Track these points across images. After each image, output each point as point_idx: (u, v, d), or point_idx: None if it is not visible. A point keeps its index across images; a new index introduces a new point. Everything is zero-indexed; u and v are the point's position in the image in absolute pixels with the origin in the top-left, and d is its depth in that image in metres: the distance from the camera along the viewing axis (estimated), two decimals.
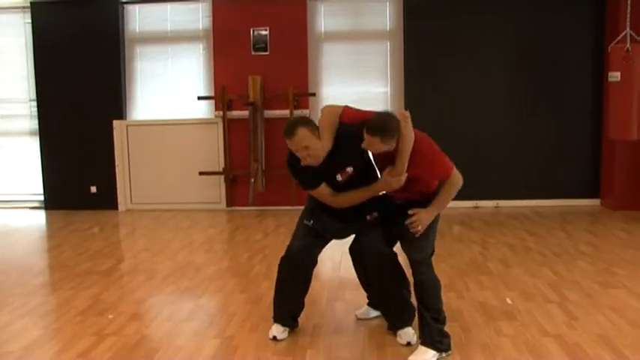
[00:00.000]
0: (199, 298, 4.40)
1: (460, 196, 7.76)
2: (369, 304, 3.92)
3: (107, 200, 7.91)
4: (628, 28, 6.26)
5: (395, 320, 3.59)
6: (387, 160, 3.31)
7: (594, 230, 6.25)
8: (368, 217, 3.50)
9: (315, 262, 3.59)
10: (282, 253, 3.60)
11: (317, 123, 3.48)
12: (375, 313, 3.87)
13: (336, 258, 5.07)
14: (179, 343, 3.57)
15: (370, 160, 3.52)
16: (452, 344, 3.37)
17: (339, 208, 3.46)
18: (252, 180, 7.46)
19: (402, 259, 3.54)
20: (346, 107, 3.45)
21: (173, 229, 6.80)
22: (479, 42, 7.42)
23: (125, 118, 7.92)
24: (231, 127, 7.65)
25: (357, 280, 3.89)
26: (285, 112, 7.46)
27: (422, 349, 3.30)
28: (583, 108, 7.44)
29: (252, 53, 7.61)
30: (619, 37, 6.40)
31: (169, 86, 7.97)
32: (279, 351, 3.42)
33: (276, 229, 6.62)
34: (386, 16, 7.64)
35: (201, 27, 7.84)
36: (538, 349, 3.34)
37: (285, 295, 3.65)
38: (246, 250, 5.75)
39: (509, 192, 7.56)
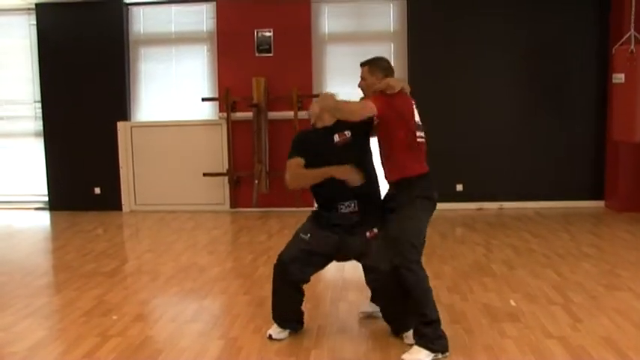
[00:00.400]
0: (203, 300, 4.41)
1: (464, 197, 7.83)
2: (372, 300, 3.83)
3: (111, 201, 7.92)
4: (632, 30, 6.25)
5: (398, 327, 3.57)
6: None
7: (598, 232, 6.24)
8: (368, 234, 3.49)
9: (306, 280, 3.59)
10: None
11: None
12: (377, 308, 3.77)
13: None
14: (183, 344, 3.58)
15: (369, 132, 3.58)
16: (455, 346, 3.37)
17: (337, 219, 3.48)
18: (256, 181, 7.47)
19: None
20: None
21: (177, 230, 6.81)
22: (482, 44, 7.41)
23: (129, 120, 7.94)
24: (235, 129, 7.66)
25: (362, 280, 3.88)
26: (289, 114, 7.46)
27: (415, 348, 3.29)
28: (587, 109, 7.43)
29: (256, 55, 7.62)
30: (623, 39, 6.38)
31: (173, 88, 7.98)
32: (283, 352, 3.43)
33: (280, 231, 6.62)
34: (390, 18, 7.65)
35: (205, 29, 7.85)
36: (542, 351, 3.34)
37: (279, 300, 3.65)
38: (250, 252, 5.76)
39: (513, 194, 7.55)
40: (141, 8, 7.92)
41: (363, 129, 3.54)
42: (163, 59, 7.97)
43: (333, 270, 4.97)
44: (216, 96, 7.72)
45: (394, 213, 3.42)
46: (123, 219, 7.58)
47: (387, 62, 3.58)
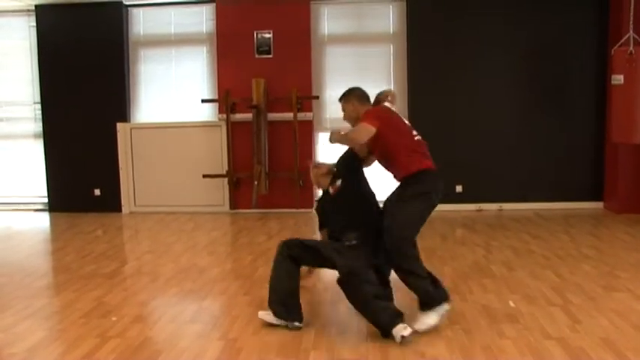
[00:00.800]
0: (203, 301, 4.41)
1: (463, 199, 7.83)
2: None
3: (111, 203, 7.93)
4: (631, 31, 6.25)
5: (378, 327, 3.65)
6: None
7: (597, 233, 6.25)
8: (347, 244, 3.84)
9: (303, 261, 4.06)
10: None
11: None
12: None
13: None
14: (183, 345, 3.58)
15: (358, 169, 4.00)
16: (454, 346, 3.39)
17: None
18: (256, 183, 7.47)
19: None
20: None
21: (177, 231, 6.82)
22: (482, 45, 7.43)
23: (129, 121, 7.95)
24: (234, 130, 7.67)
25: None
26: (289, 115, 7.47)
27: (422, 314, 3.63)
28: (586, 110, 7.44)
29: (256, 56, 7.63)
30: (622, 40, 6.39)
31: (173, 89, 8.00)
32: (283, 353, 3.43)
33: (280, 232, 6.63)
34: (389, 19, 7.66)
35: (204, 30, 7.86)
36: (541, 352, 3.34)
37: (277, 275, 3.88)
38: (249, 253, 5.76)
39: (513, 195, 7.56)
40: (140, 10, 7.94)
41: (351, 171, 3.99)
42: (163, 61, 7.98)
43: (332, 271, 4.97)
44: (216, 97, 7.73)
45: (391, 202, 3.81)
46: (122, 220, 7.59)
47: (360, 90, 4.02)
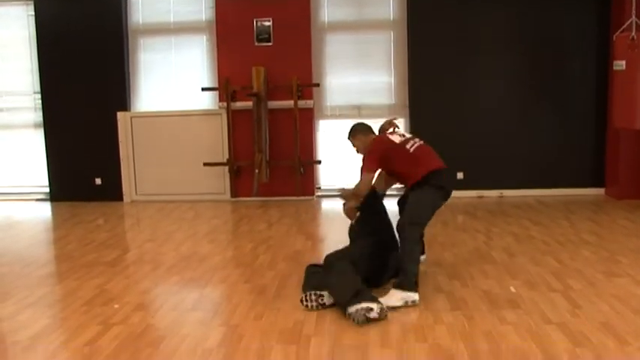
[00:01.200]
0: (204, 288, 4.43)
1: (464, 185, 7.84)
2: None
3: (112, 192, 7.94)
4: (633, 16, 6.22)
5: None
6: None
7: (598, 219, 6.25)
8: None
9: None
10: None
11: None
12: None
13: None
14: (184, 331, 3.60)
15: (376, 205, 4.44)
16: (455, 332, 3.42)
17: None
18: (257, 171, 7.47)
19: None
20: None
21: (178, 219, 6.83)
22: (483, 31, 7.40)
23: (129, 110, 7.94)
24: (235, 118, 7.66)
25: None
26: (289, 103, 7.46)
27: (394, 291, 3.91)
28: (588, 97, 7.42)
29: (256, 44, 7.60)
30: (624, 26, 6.36)
31: (173, 78, 7.98)
32: (284, 339, 3.45)
33: (280, 220, 6.64)
34: (389, 6, 7.62)
35: (204, 18, 7.84)
36: (541, 337, 3.36)
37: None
38: (250, 241, 5.77)
39: (514, 181, 7.56)
40: None
41: (368, 205, 4.38)
42: (163, 49, 7.96)
43: None
44: (216, 86, 7.72)
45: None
46: (124, 209, 7.60)
47: (361, 125, 4.53)
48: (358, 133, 4.50)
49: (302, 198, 7.66)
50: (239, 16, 7.58)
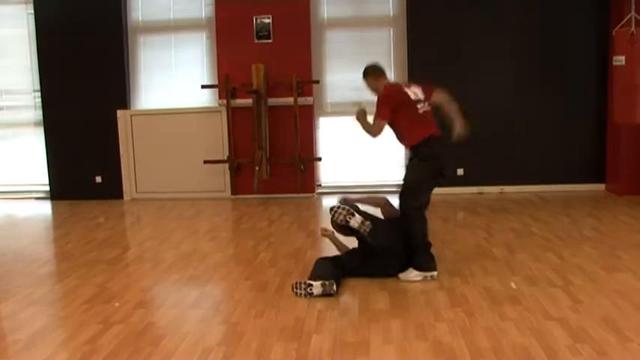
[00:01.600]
0: (205, 286, 4.43)
1: (465, 181, 7.82)
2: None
3: (112, 190, 7.93)
4: (633, 11, 6.21)
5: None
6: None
7: (599, 215, 6.24)
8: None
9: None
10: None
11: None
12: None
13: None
14: (185, 329, 3.59)
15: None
16: (456, 328, 3.42)
17: None
18: (257, 168, 7.46)
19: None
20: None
21: (178, 217, 6.83)
22: (483, 27, 7.39)
23: (129, 108, 7.93)
24: (235, 116, 7.65)
25: None
26: (289, 100, 7.45)
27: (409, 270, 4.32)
28: (588, 92, 7.41)
29: (256, 41, 7.59)
30: (624, 21, 6.35)
31: (173, 75, 7.97)
32: (285, 336, 3.44)
33: (281, 217, 6.64)
34: (389, 2, 7.61)
35: (204, 16, 7.82)
36: (542, 333, 3.36)
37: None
38: (251, 238, 5.77)
39: (514, 177, 7.55)
40: None
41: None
42: (162, 47, 7.95)
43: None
44: (216, 83, 7.71)
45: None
46: (124, 207, 7.60)
47: (372, 67, 4.64)
48: (369, 76, 4.61)
49: (302, 195, 7.66)
50: (239, 14, 7.56)
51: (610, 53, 6.88)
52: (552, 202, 6.88)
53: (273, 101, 7.55)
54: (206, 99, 7.89)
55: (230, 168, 7.73)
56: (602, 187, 7.48)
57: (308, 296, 4.00)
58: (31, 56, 8.07)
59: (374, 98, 4.52)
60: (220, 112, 7.70)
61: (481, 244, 5.27)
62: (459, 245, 5.22)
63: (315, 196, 7.76)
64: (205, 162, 7.71)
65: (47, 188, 8.14)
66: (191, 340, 3.44)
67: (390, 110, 4.36)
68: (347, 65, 7.72)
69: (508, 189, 7.55)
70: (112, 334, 3.56)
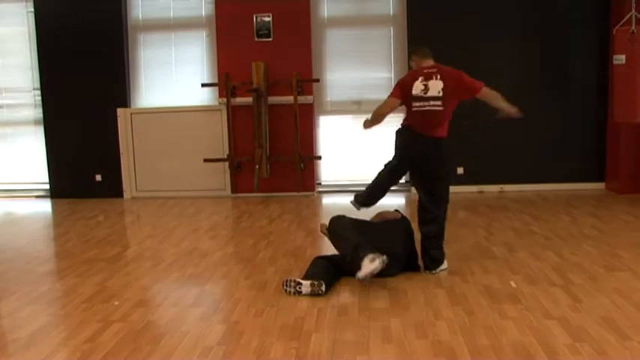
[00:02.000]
0: (204, 284, 4.43)
1: (465, 180, 7.82)
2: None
3: (112, 188, 7.93)
4: (633, 10, 6.22)
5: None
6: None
7: (599, 214, 6.24)
8: None
9: None
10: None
11: None
12: None
13: None
14: (185, 328, 3.59)
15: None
16: (455, 327, 3.43)
17: None
18: (257, 166, 7.46)
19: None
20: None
21: (178, 216, 6.83)
22: (483, 26, 7.38)
23: (129, 106, 7.93)
24: (235, 114, 7.65)
25: None
26: (289, 98, 7.45)
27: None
28: (588, 91, 7.41)
29: (256, 40, 7.58)
30: (624, 20, 6.36)
31: (173, 73, 7.97)
32: (284, 335, 3.44)
33: (281, 216, 6.64)
34: (389, 1, 7.60)
35: (203, 14, 7.82)
36: (542, 332, 3.36)
37: None
38: (251, 237, 5.77)
39: (514, 176, 7.55)
40: None
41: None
42: (162, 45, 7.94)
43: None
44: (216, 81, 7.71)
45: None
46: (124, 205, 7.60)
47: (417, 49, 4.78)
48: (413, 56, 4.76)
49: (302, 194, 7.65)
50: (239, 12, 7.56)
51: (610, 52, 6.88)
52: (552, 201, 6.88)
53: (273, 100, 7.55)
54: (206, 97, 7.89)
55: (230, 166, 7.72)
56: (602, 185, 7.48)
57: (297, 294, 4.03)
58: (31, 54, 8.06)
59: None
60: (220, 110, 7.70)
61: (481, 242, 5.27)
62: (459, 244, 5.21)
63: (315, 194, 7.76)
64: (205, 160, 7.71)
65: (47, 186, 8.14)
66: (191, 338, 3.44)
67: (399, 91, 4.50)
68: (347, 64, 7.72)
69: (508, 188, 7.55)
70: (112, 332, 3.56)
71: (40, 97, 8.02)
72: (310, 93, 7.59)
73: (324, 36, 7.72)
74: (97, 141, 7.92)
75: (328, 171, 7.93)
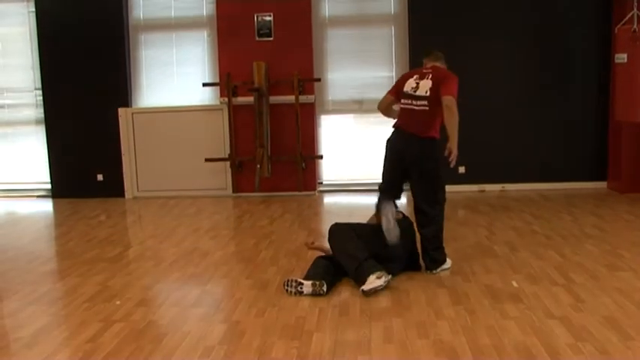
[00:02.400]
0: (206, 284, 4.43)
1: (466, 180, 7.82)
2: None
3: (114, 188, 7.93)
4: (635, 9, 6.21)
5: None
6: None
7: (601, 213, 6.23)
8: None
9: None
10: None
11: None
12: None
13: None
14: (186, 328, 3.59)
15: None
16: (457, 327, 3.43)
17: None
18: (258, 166, 7.46)
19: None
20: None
21: (179, 215, 6.83)
22: (484, 25, 7.37)
23: (130, 106, 7.93)
24: (236, 114, 7.64)
25: None
26: (291, 98, 7.44)
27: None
28: (590, 90, 7.39)
29: (257, 39, 7.58)
30: (626, 18, 6.35)
31: (174, 73, 7.96)
32: (286, 335, 3.44)
33: (282, 215, 6.64)
34: (390, 1, 7.59)
35: (205, 13, 7.81)
36: (544, 331, 3.35)
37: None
38: (252, 236, 5.77)
39: (515, 175, 7.54)
40: None
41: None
42: (164, 45, 7.94)
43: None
44: (217, 81, 7.70)
45: None
46: (126, 205, 7.60)
47: (431, 52, 4.80)
48: (429, 58, 4.77)
49: (304, 193, 7.65)
50: (240, 11, 7.55)
51: (612, 51, 6.87)
52: (554, 200, 6.87)
53: (274, 99, 7.55)
54: (207, 97, 7.89)
55: (231, 166, 7.72)
56: (604, 185, 7.47)
57: (298, 294, 4.02)
58: (32, 54, 8.06)
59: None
60: (222, 110, 7.70)
61: (482, 242, 5.26)
62: (461, 243, 5.21)
63: (317, 194, 7.75)
64: (207, 160, 7.70)
65: (48, 186, 8.14)
66: (192, 338, 3.44)
67: (395, 88, 4.67)
68: (348, 63, 7.71)
69: (509, 187, 7.54)
70: (113, 332, 3.56)
71: (41, 97, 8.02)
72: (311, 92, 7.59)
73: (326, 35, 7.72)
74: (98, 141, 7.92)
75: (330, 170, 7.93)
